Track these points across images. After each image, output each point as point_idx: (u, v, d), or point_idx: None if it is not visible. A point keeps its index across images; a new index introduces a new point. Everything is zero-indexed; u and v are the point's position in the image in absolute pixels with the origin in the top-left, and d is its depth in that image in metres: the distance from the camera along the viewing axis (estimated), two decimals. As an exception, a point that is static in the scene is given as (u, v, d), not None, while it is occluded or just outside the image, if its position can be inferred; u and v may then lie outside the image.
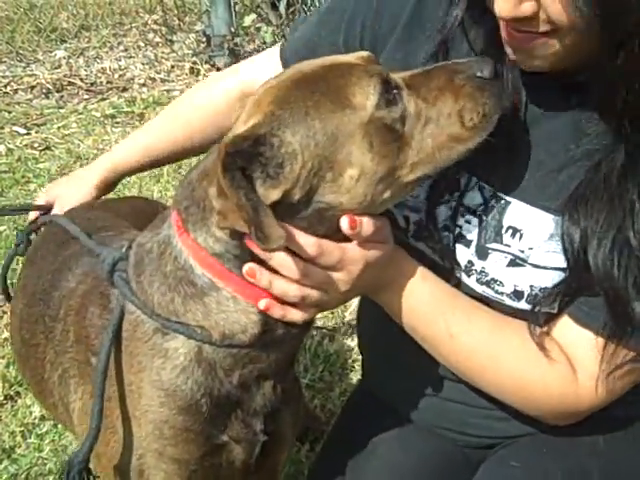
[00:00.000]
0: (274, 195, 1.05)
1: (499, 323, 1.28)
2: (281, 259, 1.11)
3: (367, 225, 1.11)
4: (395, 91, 1.09)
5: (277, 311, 1.15)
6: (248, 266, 1.11)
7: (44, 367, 1.39)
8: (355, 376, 2.40)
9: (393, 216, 1.31)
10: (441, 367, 1.39)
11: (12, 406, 2.34)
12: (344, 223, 1.09)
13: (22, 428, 2.24)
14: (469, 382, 1.33)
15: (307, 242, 1.10)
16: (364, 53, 1.16)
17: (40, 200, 1.80)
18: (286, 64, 1.48)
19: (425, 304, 1.24)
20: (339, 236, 1.13)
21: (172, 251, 1.16)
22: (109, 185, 1.79)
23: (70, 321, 1.33)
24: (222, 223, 1.07)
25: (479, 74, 1.11)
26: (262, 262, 1.12)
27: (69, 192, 1.74)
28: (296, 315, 1.16)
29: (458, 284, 1.30)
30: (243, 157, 1.03)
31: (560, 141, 1.21)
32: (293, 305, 1.16)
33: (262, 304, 1.13)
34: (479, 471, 1.45)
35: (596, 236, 1.15)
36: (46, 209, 1.75)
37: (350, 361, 2.47)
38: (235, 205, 1.01)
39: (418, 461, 1.47)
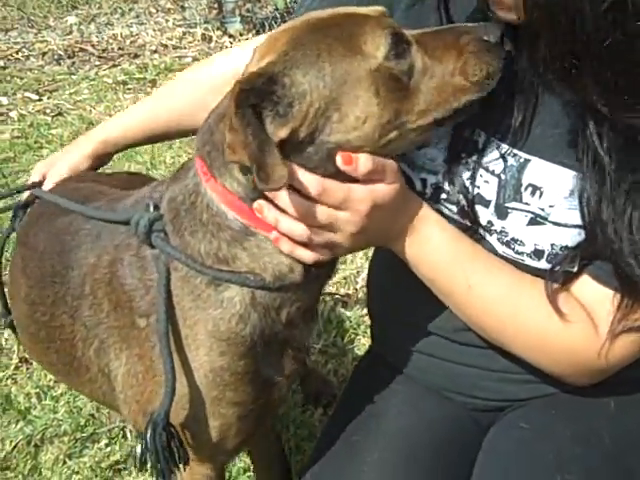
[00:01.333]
0: (282, 133, 1.07)
1: (519, 278, 1.27)
2: (284, 198, 1.12)
3: (364, 161, 1.11)
4: (405, 45, 1.12)
5: (285, 246, 1.16)
6: (257, 202, 1.14)
7: (75, 346, 1.39)
8: (367, 342, 2.40)
9: (410, 179, 1.30)
10: (453, 331, 1.39)
11: (27, 368, 2.36)
12: (339, 159, 1.11)
13: (37, 390, 2.26)
14: (488, 339, 1.33)
15: (309, 180, 1.11)
16: (379, 8, 1.17)
17: (34, 176, 1.73)
18: None
19: (444, 253, 1.24)
20: (349, 178, 1.14)
21: (203, 199, 1.17)
22: (102, 157, 1.75)
23: (101, 293, 1.33)
24: (230, 157, 1.07)
25: (485, 37, 1.14)
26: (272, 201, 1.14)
27: (61, 163, 1.71)
28: (305, 254, 1.17)
29: (480, 243, 1.29)
30: (256, 94, 1.05)
31: (574, 105, 1.19)
32: (304, 245, 1.16)
33: (272, 235, 1.15)
34: (489, 434, 1.46)
35: (609, 194, 1.15)
36: (40, 185, 1.68)
37: (363, 327, 2.47)
38: (242, 142, 1.03)
39: (429, 424, 1.48)
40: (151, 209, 1.25)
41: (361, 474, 1.39)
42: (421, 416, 1.48)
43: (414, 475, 1.39)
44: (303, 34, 1.10)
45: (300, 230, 1.14)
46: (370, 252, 1.69)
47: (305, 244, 1.16)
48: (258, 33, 4.85)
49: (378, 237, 1.24)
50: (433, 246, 1.23)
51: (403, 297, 1.42)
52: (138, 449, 1.98)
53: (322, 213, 1.14)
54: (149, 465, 1.25)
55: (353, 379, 1.74)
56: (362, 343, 2.43)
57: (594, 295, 1.23)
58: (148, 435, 1.22)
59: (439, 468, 1.42)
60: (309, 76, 1.08)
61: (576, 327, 1.24)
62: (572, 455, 1.32)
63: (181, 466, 1.26)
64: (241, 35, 4.88)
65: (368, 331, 2.39)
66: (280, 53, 1.08)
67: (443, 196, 1.30)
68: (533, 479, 1.31)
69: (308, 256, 1.17)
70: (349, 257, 2.84)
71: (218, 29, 4.92)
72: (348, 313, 2.56)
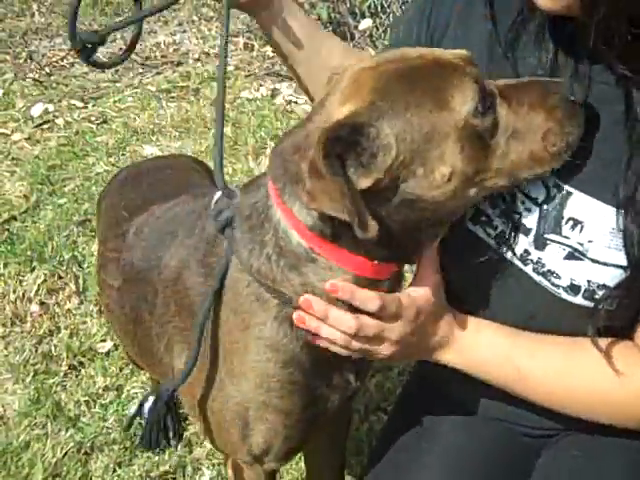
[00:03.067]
0: (365, 183, 1.07)
1: (567, 347, 1.29)
2: (336, 315, 1.17)
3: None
4: (490, 100, 1.11)
5: (323, 343, 1.22)
6: (297, 313, 1.18)
7: (152, 340, 1.46)
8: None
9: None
10: None
11: (76, 375, 2.40)
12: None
13: (86, 398, 2.30)
14: (558, 410, 1.34)
15: (371, 297, 1.16)
16: (463, 53, 1.16)
17: None
18: None
19: (488, 354, 1.28)
20: (427, 229, 1.18)
21: (272, 220, 1.19)
22: None
23: (170, 293, 1.38)
24: (311, 204, 1.09)
25: (572, 97, 1.15)
26: None
27: None
28: (341, 351, 1.23)
29: (514, 271, 1.29)
30: (342, 144, 1.05)
31: (618, 130, 1.18)
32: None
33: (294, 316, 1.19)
34: (541, 459, 1.45)
35: None
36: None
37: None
38: (337, 192, 1.03)
39: (479, 445, 1.47)
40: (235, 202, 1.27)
41: (438, 430, 1.43)
42: (472, 437, 1.48)
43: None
44: (390, 83, 1.10)
45: (339, 340, 1.20)
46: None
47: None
48: (300, 42, 4.87)
49: (419, 347, 1.27)
50: (476, 352, 1.28)
51: None
52: (132, 410, 2.06)
53: (372, 328, 1.19)
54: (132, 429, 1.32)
55: (403, 397, 1.74)
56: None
57: None
58: (147, 403, 1.26)
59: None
60: (396, 129, 1.07)
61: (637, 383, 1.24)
62: None
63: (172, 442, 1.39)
64: (283, 44, 4.89)
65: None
66: (367, 102, 1.08)
67: (483, 219, 1.29)
68: None
69: (344, 353, 1.23)
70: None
71: (260, 38, 4.94)
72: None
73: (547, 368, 1.28)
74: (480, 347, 1.28)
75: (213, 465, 2.10)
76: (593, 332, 1.24)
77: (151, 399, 1.32)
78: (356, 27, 4.59)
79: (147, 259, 1.48)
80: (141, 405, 2.09)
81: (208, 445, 2.14)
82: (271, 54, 4.84)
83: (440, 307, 1.25)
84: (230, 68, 4.68)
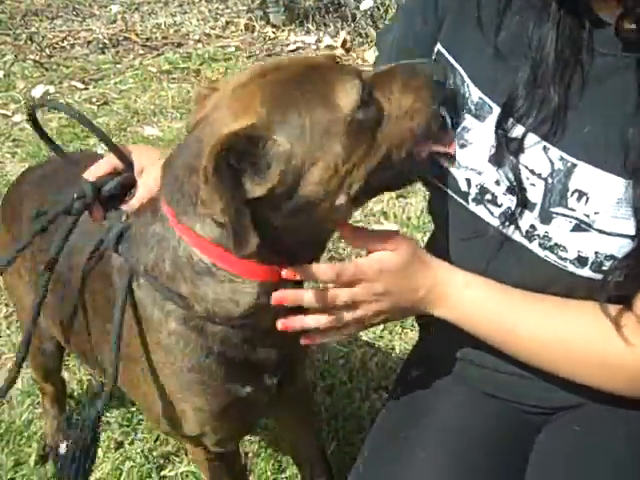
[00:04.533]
0: (259, 191, 1.09)
1: (559, 305, 1.28)
2: (307, 295, 1.21)
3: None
4: (371, 93, 1.15)
5: (318, 340, 1.28)
6: (281, 322, 1.21)
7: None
8: (415, 335, 2.40)
9: (454, 178, 1.31)
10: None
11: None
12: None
13: (89, 377, 2.30)
14: (550, 372, 1.34)
15: (323, 269, 1.20)
16: (331, 54, 1.23)
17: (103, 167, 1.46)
18: None
19: (478, 308, 1.29)
20: (321, 233, 1.23)
21: (169, 240, 1.21)
22: None
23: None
24: (203, 210, 1.10)
25: (436, 78, 1.20)
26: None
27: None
28: (337, 337, 1.29)
29: (516, 248, 1.28)
30: (235, 155, 1.06)
31: (630, 97, 1.18)
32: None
33: (279, 324, 1.22)
34: (541, 435, 1.45)
35: None
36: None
37: (410, 320, 2.47)
38: (219, 202, 1.05)
39: (481, 422, 1.47)
40: (123, 219, 1.30)
41: (412, 470, 1.39)
42: (473, 414, 1.48)
43: (465, 472, 1.39)
44: (278, 92, 1.12)
45: (325, 320, 1.22)
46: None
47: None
48: (302, 24, 4.86)
49: (408, 302, 1.29)
50: (467, 307, 1.29)
51: None
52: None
53: (342, 295, 1.22)
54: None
55: (403, 374, 1.74)
56: (410, 337, 2.43)
57: None
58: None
59: (490, 466, 1.41)
60: (291, 137, 1.09)
61: (632, 348, 1.24)
62: (626, 455, 1.32)
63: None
64: (284, 25, 4.88)
65: (415, 325, 2.40)
66: (260, 113, 1.09)
67: (487, 197, 1.29)
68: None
69: (342, 337, 1.30)
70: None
71: (261, 19, 4.93)
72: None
73: (537, 321, 1.29)
74: (471, 303, 1.29)
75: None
76: (603, 303, 1.24)
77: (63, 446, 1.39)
78: (357, 8, 4.57)
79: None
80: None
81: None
82: (272, 35, 4.83)
83: (411, 263, 1.25)
84: (231, 49, 4.67)
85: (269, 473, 2.01)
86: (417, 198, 3.11)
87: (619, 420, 1.35)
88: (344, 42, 4.55)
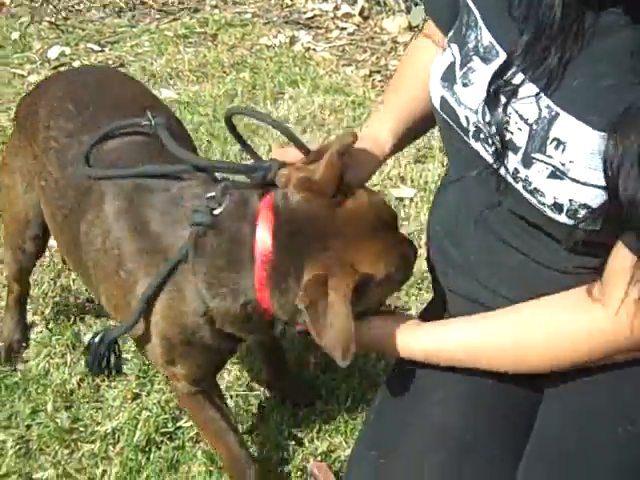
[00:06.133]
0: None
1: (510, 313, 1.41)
2: None
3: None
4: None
5: None
6: None
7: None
8: (429, 297, 2.40)
9: (457, 115, 1.37)
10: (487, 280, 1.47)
11: (95, 308, 2.41)
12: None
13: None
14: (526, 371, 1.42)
15: None
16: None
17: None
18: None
19: (425, 353, 1.46)
20: None
21: (247, 291, 1.41)
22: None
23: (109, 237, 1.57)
24: (310, 313, 1.32)
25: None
26: None
27: None
28: None
29: (510, 188, 1.32)
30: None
31: (625, 57, 1.19)
32: None
33: None
34: (545, 397, 1.49)
35: (630, 160, 1.15)
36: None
37: (426, 282, 2.47)
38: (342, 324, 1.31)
39: (486, 394, 1.49)
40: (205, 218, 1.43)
41: (426, 410, 1.45)
42: (477, 382, 1.50)
43: (478, 412, 1.45)
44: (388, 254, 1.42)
45: None
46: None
47: None
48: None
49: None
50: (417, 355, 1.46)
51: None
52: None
53: None
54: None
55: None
56: (425, 298, 2.42)
57: (622, 262, 1.25)
58: (96, 340, 1.57)
59: (501, 409, 1.47)
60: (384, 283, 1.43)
61: (598, 321, 1.31)
62: (632, 404, 1.37)
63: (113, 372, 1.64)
64: (302, -9, 4.84)
65: (431, 286, 2.39)
66: (380, 268, 1.39)
67: (482, 136, 1.33)
68: (595, 430, 1.35)
69: None
70: (413, 213, 2.83)
71: (277, -14, 4.89)
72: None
73: (503, 331, 1.40)
74: (419, 354, 1.45)
75: (231, 396, 2.11)
76: (567, 247, 1.31)
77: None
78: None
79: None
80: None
81: (227, 377, 2.16)
82: (289, 2, 4.79)
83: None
84: (248, 16, 4.64)
85: (284, 426, 2.02)
86: (435, 163, 3.09)
87: (623, 374, 1.38)
88: (362, 10, 4.51)
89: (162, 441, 2.00)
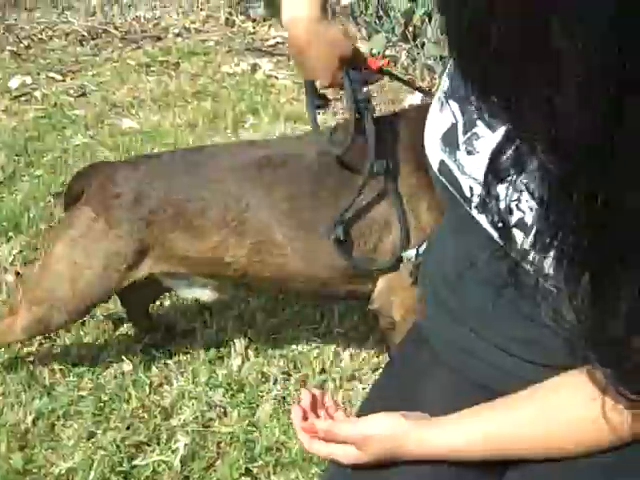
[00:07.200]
0: None
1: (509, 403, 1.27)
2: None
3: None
4: None
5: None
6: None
7: None
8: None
9: (459, 184, 1.26)
10: (484, 331, 1.39)
11: (52, 345, 2.39)
12: None
13: (61, 367, 2.29)
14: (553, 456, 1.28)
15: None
16: None
17: None
18: None
19: (447, 449, 1.28)
20: None
21: None
22: None
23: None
24: None
25: None
26: None
27: None
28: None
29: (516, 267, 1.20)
30: None
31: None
32: None
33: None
34: None
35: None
36: None
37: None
38: None
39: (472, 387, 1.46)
40: None
41: (424, 394, 1.42)
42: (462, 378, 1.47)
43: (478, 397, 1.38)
44: None
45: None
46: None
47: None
48: (281, 18, 4.84)
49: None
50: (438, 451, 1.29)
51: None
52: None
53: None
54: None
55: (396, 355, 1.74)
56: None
57: None
58: None
59: None
60: None
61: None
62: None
63: None
64: (264, 20, 4.87)
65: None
66: None
67: (487, 208, 1.19)
68: None
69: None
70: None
71: (242, 14, 4.92)
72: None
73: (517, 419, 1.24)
74: (438, 442, 1.27)
75: (187, 432, 2.10)
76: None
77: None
78: (337, 3, 4.57)
79: None
80: None
81: (183, 415, 2.15)
82: (252, 30, 4.82)
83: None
84: (210, 44, 4.66)
85: (241, 462, 2.01)
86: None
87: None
88: (324, 37, 4.55)
89: (117, 481, 1.98)
